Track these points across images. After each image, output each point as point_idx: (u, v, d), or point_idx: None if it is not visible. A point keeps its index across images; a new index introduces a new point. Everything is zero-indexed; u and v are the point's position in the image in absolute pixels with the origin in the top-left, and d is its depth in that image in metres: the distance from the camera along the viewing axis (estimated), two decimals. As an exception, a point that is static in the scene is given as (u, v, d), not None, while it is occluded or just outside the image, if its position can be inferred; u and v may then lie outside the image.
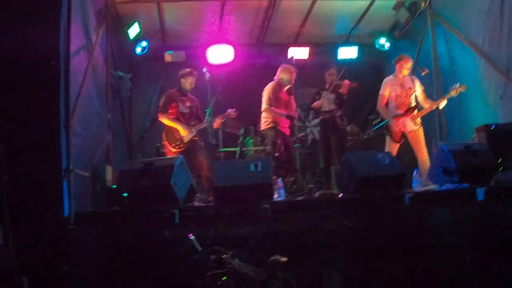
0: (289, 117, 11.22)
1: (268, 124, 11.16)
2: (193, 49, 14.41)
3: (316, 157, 13.13)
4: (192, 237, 6.79)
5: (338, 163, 11.06)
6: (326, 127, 11.62)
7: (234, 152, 13.39)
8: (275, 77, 11.41)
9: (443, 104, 10.64)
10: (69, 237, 7.18)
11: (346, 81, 11.45)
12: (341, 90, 11.58)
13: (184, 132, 10.23)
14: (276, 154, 10.93)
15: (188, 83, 10.71)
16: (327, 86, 11.71)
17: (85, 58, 9.66)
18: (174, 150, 10.28)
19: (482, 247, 7.47)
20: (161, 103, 10.64)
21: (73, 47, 8.33)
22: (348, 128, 13.65)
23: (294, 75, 11.20)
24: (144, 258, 7.03)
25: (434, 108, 10.72)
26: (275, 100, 11.09)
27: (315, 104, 11.70)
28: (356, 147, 13.74)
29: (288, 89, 11.33)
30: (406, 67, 11.01)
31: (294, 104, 11.42)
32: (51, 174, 7.42)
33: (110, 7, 11.92)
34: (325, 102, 11.57)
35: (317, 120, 13.64)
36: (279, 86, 11.25)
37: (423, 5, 13.41)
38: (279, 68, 11.46)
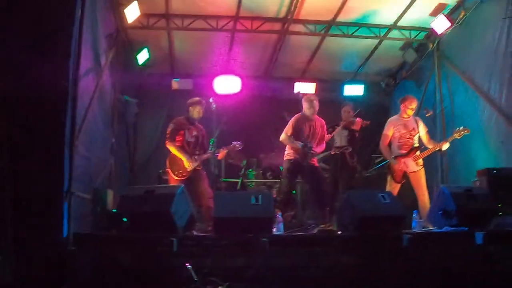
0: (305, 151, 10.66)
1: (285, 156, 11.00)
2: (200, 78, 14.48)
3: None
4: (189, 266, 6.79)
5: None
6: (336, 163, 11.58)
7: (236, 183, 13.40)
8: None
9: (446, 146, 10.65)
10: (67, 258, 7.17)
11: (359, 119, 11.46)
12: (353, 127, 11.58)
13: (187, 164, 10.23)
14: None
15: (196, 111, 10.70)
16: (342, 122, 11.70)
17: (93, 80, 9.71)
18: (176, 178, 10.26)
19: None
20: (168, 130, 10.61)
21: (82, 69, 8.37)
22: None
23: (311, 104, 10.96)
24: (140, 284, 7.02)
25: (437, 150, 10.71)
26: (296, 131, 10.92)
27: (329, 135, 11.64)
28: (358, 185, 13.74)
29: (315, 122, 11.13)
30: (410, 107, 11.02)
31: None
32: (52, 194, 7.42)
33: (121, 32, 12.02)
34: (337, 138, 11.56)
35: (321, 156, 13.63)
36: (302, 116, 11.12)
37: (430, 46, 13.55)
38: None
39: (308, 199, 11.37)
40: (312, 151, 10.47)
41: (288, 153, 10.80)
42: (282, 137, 10.79)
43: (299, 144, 10.44)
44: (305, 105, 10.89)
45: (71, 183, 7.63)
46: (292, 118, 10.92)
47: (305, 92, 13.97)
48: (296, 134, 10.69)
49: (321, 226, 9.51)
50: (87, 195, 8.93)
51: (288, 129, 10.77)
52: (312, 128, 10.82)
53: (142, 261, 7.17)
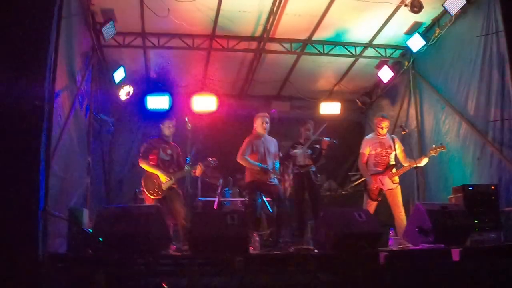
0: (264, 170, 10.82)
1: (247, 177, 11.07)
2: (176, 96, 14.46)
3: (294, 211, 13.16)
4: (165, 286, 6.77)
5: (313, 218, 11.08)
6: (301, 182, 11.56)
7: (212, 202, 13.38)
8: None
9: (422, 163, 10.72)
10: (42, 279, 7.10)
11: (326, 139, 11.43)
12: (320, 146, 11.56)
13: (164, 179, 10.19)
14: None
15: (166, 128, 10.66)
16: (302, 140, 11.72)
17: (69, 99, 9.65)
18: (152, 197, 10.21)
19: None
20: (142, 149, 10.60)
21: (57, 88, 8.29)
22: (326, 184, 13.72)
23: (264, 121, 11.01)
24: (116, 304, 6.99)
25: (413, 167, 10.75)
26: (251, 151, 10.98)
27: (293, 153, 11.63)
28: (334, 203, 13.77)
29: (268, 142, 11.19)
30: (380, 126, 11.08)
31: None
32: (27, 214, 7.34)
33: (97, 50, 11.99)
34: (300, 156, 11.55)
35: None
36: (255, 136, 11.16)
37: (406, 64, 13.61)
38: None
39: (284, 217, 11.35)
40: (271, 171, 10.67)
41: (247, 175, 10.97)
42: (240, 158, 10.86)
43: (258, 165, 10.55)
44: (257, 123, 11.06)
45: (47, 202, 7.56)
46: (247, 139, 11.02)
47: (281, 110, 14.06)
48: (254, 154, 10.84)
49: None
50: (62, 214, 8.86)
51: (244, 150, 10.86)
52: (266, 147, 10.93)
53: (118, 281, 7.13)
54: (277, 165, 10.90)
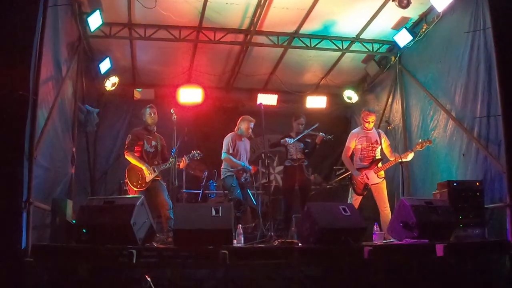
0: (245, 170, 11.25)
1: (224, 172, 11.29)
2: (162, 88, 14.44)
3: (278, 204, 13.13)
4: (149, 278, 6.75)
5: (300, 212, 11.08)
6: (292, 175, 11.53)
7: (197, 194, 13.37)
8: (235, 128, 11.46)
9: (408, 158, 10.74)
10: (25, 270, 7.07)
11: (321, 134, 11.43)
12: (313, 141, 11.55)
13: (147, 173, 10.17)
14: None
15: (148, 116, 10.62)
16: (293, 134, 11.71)
17: (54, 89, 9.57)
18: (135, 189, 10.18)
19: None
20: (127, 141, 10.54)
21: (42, 78, 8.23)
22: (312, 177, 13.70)
23: (250, 126, 11.32)
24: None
25: (398, 162, 10.75)
26: (233, 150, 11.15)
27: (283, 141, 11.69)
28: (319, 197, 13.76)
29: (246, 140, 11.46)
30: (367, 121, 11.10)
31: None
32: (10, 205, 7.31)
33: (83, 41, 11.91)
34: (292, 150, 11.56)
35: (281, 167, 13.62)
36: (237, 136, 11.32)
37: (392, 59, 13.64)
38: (239, 119, 11.53)
39: (268, 210, 11.37)
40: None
41: (226, 169, 11.19)
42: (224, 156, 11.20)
43: (241, 163, 10.97)
44: (244, 125, 11.24)
45: (30, 193, 7.52)
46: (229, 137, 11.30)
47: (267, 104, 14.07)
48: (234, 153, 11.22)
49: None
50: (46, 205, 8.82)
51: (227, 148, 11.19)
52: (245, 147, 11.39)
53: (101, 272, 7.11)
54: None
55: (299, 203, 11.41)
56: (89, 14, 11.01)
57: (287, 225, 11.45)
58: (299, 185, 11.48)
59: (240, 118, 11.46)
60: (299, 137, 11.49)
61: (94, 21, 11.10)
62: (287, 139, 11.54)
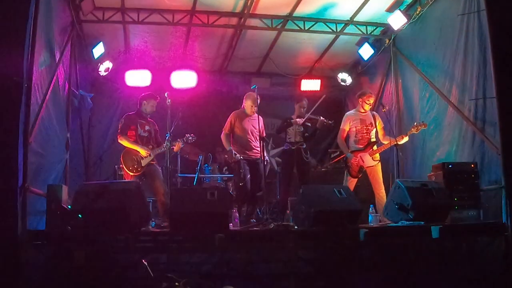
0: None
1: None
2: (156, 72, 14.37)
3: (274, 188, 13.13)
4: (145, 262, 6.76)
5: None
6: (290, 159, 11.48)
7: (192, 178, 13.37)
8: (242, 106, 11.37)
9: (403, 141, 10.75)
10: (21, 255, 7.08)
11: (321, 118, 11.39)
12: (313, 124, 11.51)
13: (144, 153, 10.16)
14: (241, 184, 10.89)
15: (149, 106, 10.64)
16: (294, 117, 11.69)
17: (47, 74, 9.52)
18: (131, 173, 10.18)
19: (434, 284, 7.57)
20: (120, 125, 10.53)
21: (35, 64, 8.21)
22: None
23: (251, 103, 11.12)
24: (96, 281, 6.97)
25: (393, 145, 10.75)
26: (239, 127, 11.08)
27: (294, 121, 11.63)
28: (314, 180, 13.76)
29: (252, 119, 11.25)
30: (368, 102, 11.11)
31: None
32: (6, 191, 7.31)
33: (76, 25, 11.84)
34: (291, 133, 11.53)
35: (275, 151, 13.63)
36: (241, 114, 11.25)
37: (387, 42, 13.61)
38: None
39: (263, 194, 11.33)
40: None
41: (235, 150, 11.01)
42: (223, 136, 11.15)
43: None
44: (245, 103, 11.16)
45: (26, 179, 7.52)
46: (232, 116, 11.22)
47: (261, 87, 14.05)
48: (238, 130, 11.16)
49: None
50: (41, 191, 8.81)
51: (227, 127, 11.14)
52: (252, 125, 11.14)
53: (96, 257, 7.12)
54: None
55: (299, 187, 11.38)
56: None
57: (283, 208, 11.45)
58: (298, 168, 11.45)
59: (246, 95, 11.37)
60: (305, 119, 11.44)
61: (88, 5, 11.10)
62: (297, 119, 11.53)
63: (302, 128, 11.54)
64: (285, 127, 11.58)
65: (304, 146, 11.54)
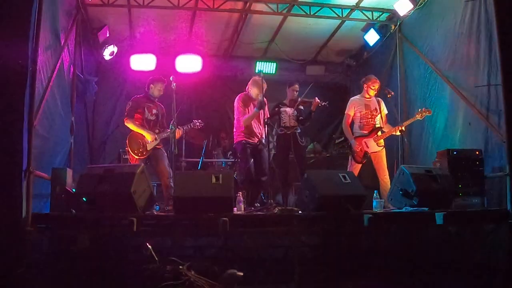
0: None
1: (237, 137, 11.06)
2: (161, 56, 14.34)
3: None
4: (150, 246, 6.77)
5: (299, 180, 11.05)
6: (286, 143, 11.43)
7: (197, 162, 13.38)
8: (246, 89, 11.31)
9: (405, 127, 10.73)
10: (25, 238, 7.09)
11: (316, 99, 11.36)
12: (307, 107, 11.48)
13: (149, 137, 10.18)
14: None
15: (157, 89, 10.65)
16: (286, 101, 11.68)
17: (52, 58, 9.51)
18: (136, 157, 10.20)
19: (438, 271, 7.57)
20: (127, 108, 10.54)
21: (40, 47, 8.19)
22: (310, 146, 13.68)
23: (254, 87, 11.03)
24: (100, 264, 6.97)
25: (397, 130, 10.74)
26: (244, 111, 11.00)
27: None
28: (318, 165, 13.77)
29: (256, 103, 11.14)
30: (373, 88, 11.09)
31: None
32: (10, 174, 7.32)
33: (81, 9, 11.82)
34: (285, 117, 11.50)
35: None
36: (248, 98, 11.20)
37: (392, 27, 13.58)
38: (250, 81, 11.37)
39: (268, 178, 11.30)
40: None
41: (240, 135, 10.95)
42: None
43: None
44: (253, 90, 11.04)
45: (30, 162, 7.53)
46: (239, 99, 11.14)
47: (267, 72, 14.07)
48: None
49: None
50: (46, 174, 8.82)
51: (244, 111, 11.01)
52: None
53: (101, 241, 7.12)
54: None
55: (298, 172, 11.37)
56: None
57: (286, 193, 11.46)
58: (294, 152, 11.44)
59: (251, 80, 11.31)
60: (297, 104, 11.43)
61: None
62: (285, 109, 11.51)
63: (296, 112, 11.53)
64: (276, 113, 11.61)
65: (299, 130, 11.52)
